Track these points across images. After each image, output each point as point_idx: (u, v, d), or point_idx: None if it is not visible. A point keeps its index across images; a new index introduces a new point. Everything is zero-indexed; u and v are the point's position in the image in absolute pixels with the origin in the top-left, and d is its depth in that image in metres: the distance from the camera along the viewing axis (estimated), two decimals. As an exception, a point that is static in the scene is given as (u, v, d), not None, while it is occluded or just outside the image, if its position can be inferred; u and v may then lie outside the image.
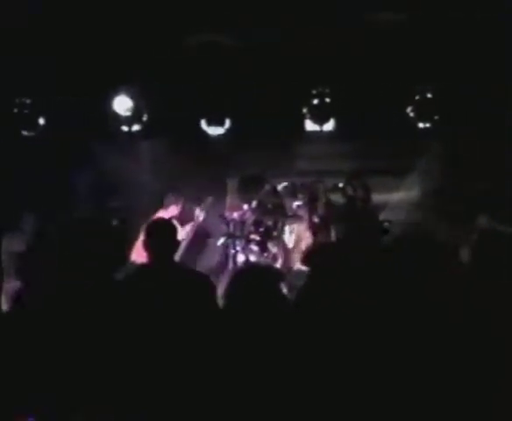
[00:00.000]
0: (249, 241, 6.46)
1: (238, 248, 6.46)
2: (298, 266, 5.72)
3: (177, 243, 3.80)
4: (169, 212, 6.36)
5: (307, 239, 6.33)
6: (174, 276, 3.61)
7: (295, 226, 6.53)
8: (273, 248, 6.46)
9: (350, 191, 6.52)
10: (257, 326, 2.70)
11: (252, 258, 6.42)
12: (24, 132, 6.66)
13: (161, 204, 6.44)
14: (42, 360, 3.27)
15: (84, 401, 3.10)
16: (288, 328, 2.78)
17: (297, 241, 6.45)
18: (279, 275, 3.38)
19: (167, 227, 3.81)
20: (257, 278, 2.83)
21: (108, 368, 3.21)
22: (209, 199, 6.57)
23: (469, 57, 6.23)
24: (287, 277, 5.69)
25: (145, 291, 3.50)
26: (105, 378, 3.17)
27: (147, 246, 3.68)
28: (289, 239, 6.51)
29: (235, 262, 6.40)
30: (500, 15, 5.88)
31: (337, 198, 6.68)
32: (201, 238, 6.69)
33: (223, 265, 6.51)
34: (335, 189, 6.68)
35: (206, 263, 6.62)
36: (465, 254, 4.89)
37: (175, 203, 6.51)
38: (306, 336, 2.78)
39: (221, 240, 6.53)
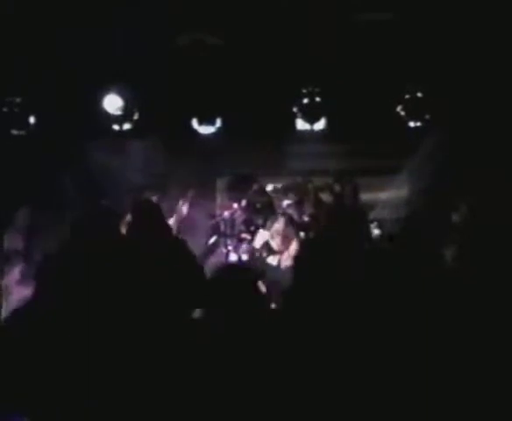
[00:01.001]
0: (240, 240, 6.47)
1: (230, 247, 6.48)
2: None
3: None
4: None
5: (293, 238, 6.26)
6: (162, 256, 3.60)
7: (275, 227, 6.45)
8: (264, 248, 6.48)
9: (337, 189, 6.55)
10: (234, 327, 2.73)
11: (245, 257, 6.43)
12: (14, 131, 6.63)
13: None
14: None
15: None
16: (266, 328, 2.80)
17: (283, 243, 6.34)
18: (256, 275, 3.41)
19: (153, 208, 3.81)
20: (233, 277, 2.85)
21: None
22: (191, 192, 6.55)
23: (461, 55, 6.26)
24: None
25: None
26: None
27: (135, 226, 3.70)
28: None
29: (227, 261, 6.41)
30: (492, 12, 5.92)
31: (326, 197, 6.71)
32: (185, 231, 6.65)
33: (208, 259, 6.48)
34: (325, 188, 6.71)
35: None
36: (449, 254, 4.94)
37: None
38: (287, 338, 2.80)
39: (212, 239, 6.53)
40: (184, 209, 6.27)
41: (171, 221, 6.28)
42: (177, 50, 6.51)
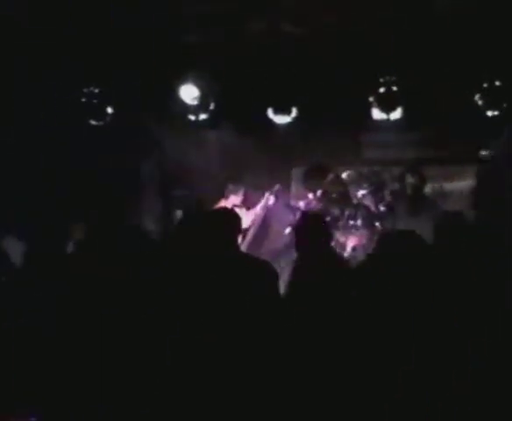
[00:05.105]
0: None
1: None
2: None
3: (238, 232, 3.67)
4: (230, 202, 6.40)
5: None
6: (235, 266, 3.44)
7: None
8: (340, 237, 6.47)
9: (409, 179, 6.50)
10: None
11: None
12: (93, 122, 6.69)
13: (222, 195, 6.49)
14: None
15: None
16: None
17: None
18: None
19: (230, 217, 3.65)
20: None
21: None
22: (277, 186, 6.61)
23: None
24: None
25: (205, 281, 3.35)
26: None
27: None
28: None
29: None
30: None
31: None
32: (268, 222, 6.71)
33: (289, 252, 6.50)
34: (401, 177, 6.66)
35: (272, 247, 6.63)
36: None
37: (235, 192, 6.53)
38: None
39: (288, 229, 6.53)
40: (271, 200, 6.31)
41: (254, 211, 6.37)
42: (252, 39, 6.47)
